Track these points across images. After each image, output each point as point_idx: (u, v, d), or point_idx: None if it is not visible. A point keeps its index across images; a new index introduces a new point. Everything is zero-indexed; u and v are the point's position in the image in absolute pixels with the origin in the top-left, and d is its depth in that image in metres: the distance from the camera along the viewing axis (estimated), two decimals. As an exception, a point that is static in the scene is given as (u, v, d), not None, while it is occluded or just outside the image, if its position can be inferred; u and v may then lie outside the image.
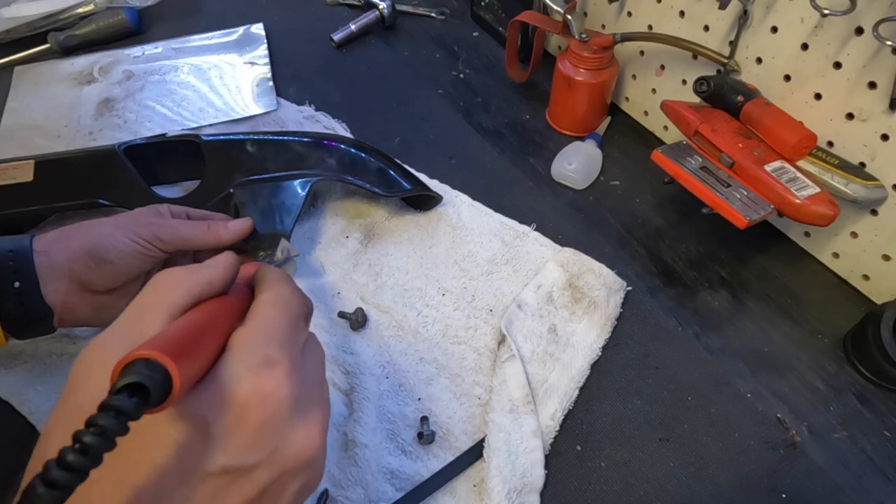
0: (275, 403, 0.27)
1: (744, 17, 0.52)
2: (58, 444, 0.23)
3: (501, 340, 0.51)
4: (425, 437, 0.46)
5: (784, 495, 0.45)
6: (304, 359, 0.31)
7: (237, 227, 0.51)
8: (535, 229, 0.60)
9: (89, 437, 0.20)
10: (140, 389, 0.22)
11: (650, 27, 0.63)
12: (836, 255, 0.57)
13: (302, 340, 0.32)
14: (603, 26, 0.69)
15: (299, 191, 0.55)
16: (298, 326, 0.32)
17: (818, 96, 0.51)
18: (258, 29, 0.84)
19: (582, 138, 0.69)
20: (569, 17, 0.63)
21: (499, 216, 0.61)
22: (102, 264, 0.44)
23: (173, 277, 0.30)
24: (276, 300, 0.32)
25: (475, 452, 0.46)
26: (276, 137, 0.59)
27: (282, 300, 0.32)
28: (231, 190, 0.55)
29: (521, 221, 0.60)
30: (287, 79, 0.77)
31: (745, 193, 0.50)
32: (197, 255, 0.54)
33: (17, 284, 0.41)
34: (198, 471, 0.25)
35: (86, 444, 0.20)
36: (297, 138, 0.60)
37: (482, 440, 0.46)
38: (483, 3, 0.84)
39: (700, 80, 0.54)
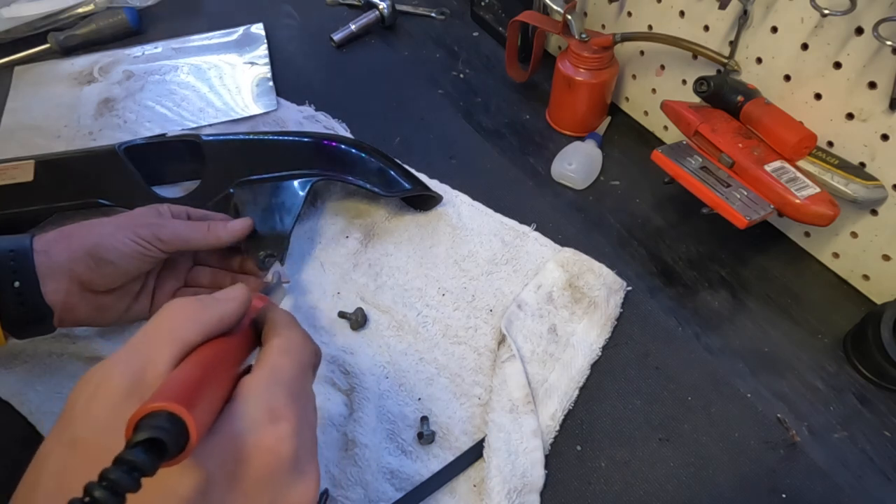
0: (277, 461, 0.27)
1: (744, 17, 0.52)
2: (53, 473, 0.23)
3: (501, 340, 0.51)
4: (425, 437, 0.46)
5: (784, 495, 0.45)
6: (307, 411, 0.30)
7: (237, 227, 0.51)
8: (535, 229, 0.60)
9: (100, 491, 0.20)
10: (156, 444, 0.22)
11: (650, 27, 0.63)
12: (836, 255, 0.57)
13: (309, 392, 0.32)
14: (603, 26, 0.69)
15: (299, 191, 0.55)
16: (307, 377, 0.32)
17: (818, 96, 0.51)
18: (258, 29, 0.84)
19: (582, 138, 0.69)
20: (569, 17, 0.63)
21: (499, 216, 0.61)
22: (102, 264, 0.44)
23: (185, 310, 0.30)
24: (288, 348, 0.31)
25: (475, 452, 0.46)
26: (276, 137, 0.59)
27: (293, 348, 0.32)
28: (231, 190, 0.55)
29: (521, 221, 0.60)
30: (287, 79, 0.77)
31: (745, 193, 0.50)
32: (197, 255, 0.54)
33: (17, 284, 0.41)
34: None
35: (96, 499, 0.20)
36: (297, 138, 0.60)
37: (482, 440, 0.46)
38: (483, 3, 0.84)
39: (700, 80, 0.54)
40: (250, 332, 0.34)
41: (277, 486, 0.27)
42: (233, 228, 0.51)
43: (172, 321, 0.29)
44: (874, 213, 0.51)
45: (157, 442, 0.22)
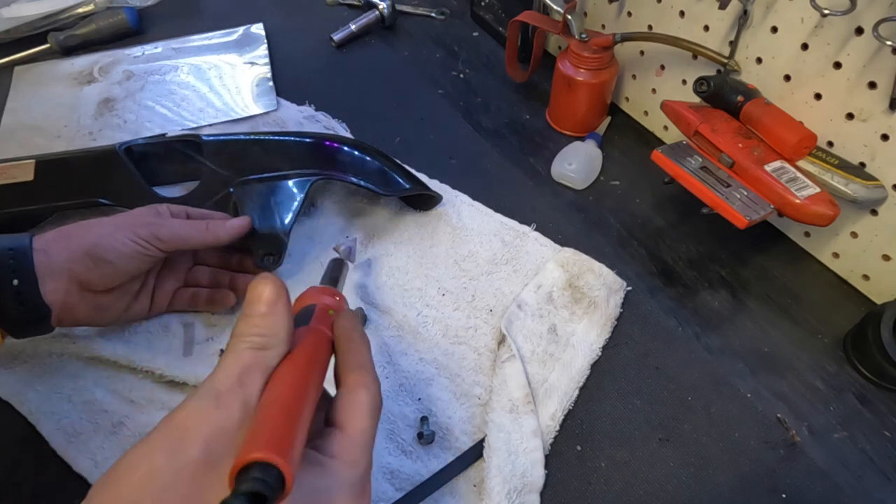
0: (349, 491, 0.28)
1: (744, 17, 0.52)
2: (142, 476, 0.24)
3: (501, 340, 0.51)
4: (425, 437, 0.46)
5: (784, 495, 0.45)
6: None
7: (235, 226, 0.51)
8: (535, 229, 0.60)
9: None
10: (257, 497, 0.22)
11: (650, 27, 0.63)
12: (836, 255, 0.57)
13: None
14: (603, 26, 0.69)
15: (299, 191, 0.55)
16: (375, 435, 0.31)
17: (818, 96, 0.51)
18: (258, 29, 0.84)
19: (582, 138, 0.69)
20: (569, 17, 0.63)
21: (499, 216, 0.61)
22: (101, 264, 0.44)
23: (245, 356, 0.28)
24: (374, 408, 0.31)
25: (475, 452, 0.46)
26: (275, 137, 0.59)
27: (377, 407, 0.31)
28: (231, 189, 0.55)
29: (521, 221, 0.60)
30: (287, 79, 0.77)
31: (745, 193, 0.50)
32: (196, 254, 0.54)
33: (16, 283, 0.41)
34: None
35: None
36: (296, 138, 0.60)
37: (482, 440, 0.46)
38: (483, 3, 0.84)
39: (700, 80, 0.54)
40: (327, 343, 0.33)
41: None
42: (231, 227, 0.51)
43: (235, 373, 0.28)
44: (874, 213, 0.51)
45: (258, 496, 0.22)
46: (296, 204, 0.55)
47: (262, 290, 0.30)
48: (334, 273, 0.47)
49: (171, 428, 0.26)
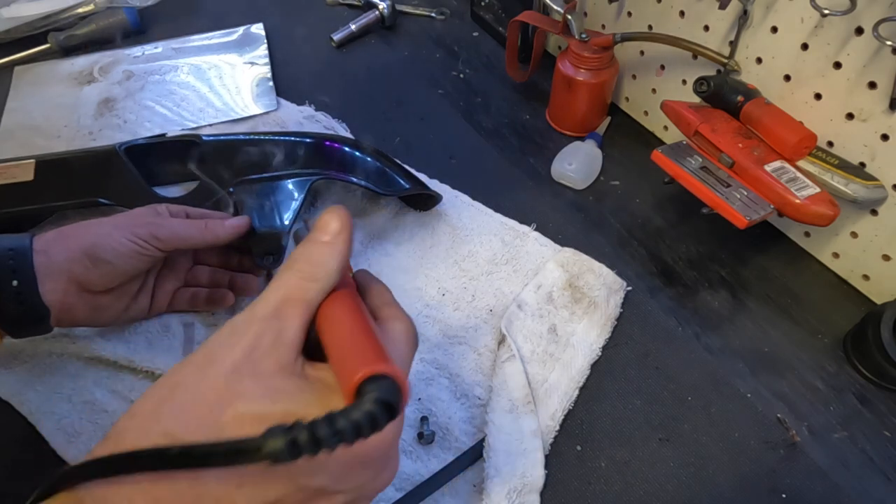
0: (384, 447, 0.28)
1: (744, 17, 0.52)
2: (191, 399, 0.26)
3: (501, 340, 0.51)
4: (425, 437, 0.46)
5: (784, 495, 0.45)
6: None
7: (234, 225, 0.51)
8: (535, 229, 0.60)
9: (344, 422, 0.23)
10: (383, 405, 0.24)
11: (650, 27, 0.63)
12: (836, 255, 0.57)
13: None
14: (603, 26, 0.69)
15: (299, 191, 0.55)
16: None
17: (818, 96, 0.51)
18: (258, 29, 0.84)
19: (582, 138, 0.69)
20: (569, 17, 0.63)
21: (499, 216, 0.61)
22: (100, 264, 0.44)
23: (305, 268, 0.30)
24: (410, 338, 0.32)
25: (475, 452, 0.46)
26: (275, 137, 0.59)
27: (413, 339, 0.32)
28: (231, 189, 0.55)
29: (521, 221, 0.60)
30: (287, 79, 0.77)
31: (745, 193, 0.50)
32: (197, 254, 0.54)
33: (15, 283, 0.41)
34: (300, 482, 0.26)
35: (337, 429, 0.22)
36: (296, 138, 0.60)
37: (482, 440, 0.46)
38: (483, 3, 0.84)
39: (700, 80, 0.54)
40: (356, 291, 0.34)
41: (377, 468, 0.29)
42: (230, 226, 0.51)
43: (296, 285, 0.30)
44: (874, 213, 0.51)
45: (384, 403, 0.24)
46: (296, 204, 0.55)
47: (329, 219, 0.32)
48: None
49: (203, 351, 0.28)
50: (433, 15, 0.88)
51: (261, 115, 0.71)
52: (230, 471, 0.24)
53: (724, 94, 0.54)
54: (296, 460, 0.22)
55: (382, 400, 0.24)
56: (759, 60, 0.54)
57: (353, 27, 0.83)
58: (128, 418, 0.27)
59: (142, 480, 0.24)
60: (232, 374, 0.26)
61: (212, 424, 0.25)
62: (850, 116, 0.49)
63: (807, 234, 0.59)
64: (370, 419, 0.23)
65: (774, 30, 0.51)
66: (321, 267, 0.30)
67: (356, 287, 0.36)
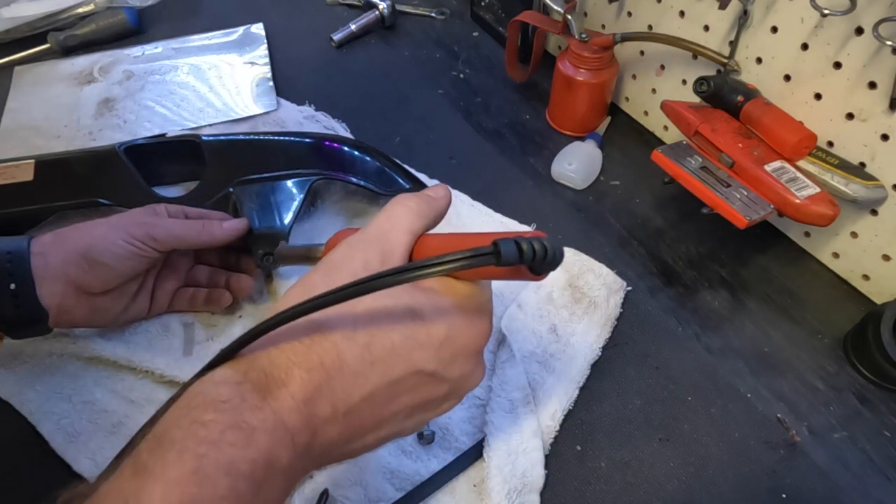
0: (483, 342, 0.33)
1: (744, 17, 0.52)
2: (317, 282, 0.30)
3: (501, 340, 0.51)
4: (425, 437, 0.46)
5: (784, 495, 0.45)
6: None
7: (232, 226, 0.51)
8: (535, 229, 0.60)
9: (550, 247, 0.27)
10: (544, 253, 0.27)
11: (650, 27, 0.63)
12: (836, 255, 0.57)
13: None
14: (603, 26, 0.69)
15: (299, 190, 0.55)
16: None
17: (818, 96, 0.51)
18: (258, 29, 0.84)
19: (582, 138, 0.69)
20: (569, 17, 0.63)
21: (499, 216, 0.61)
22: (96, 266, 0.44)
23: (413, 207, 0.35)
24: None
25: (475, 452, 0.46)
26: (275, 137, 0.59)
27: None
28: (231, 189, 0.55)
29: (521, 221, 0.60)
30: (287, 79, 0.77)
31: (745, 193, 0.50)
32: (197, 254, 0.54)
33: (13, 286, 0.41)
34: (417, 362, 0.30)
35: (546, 250, 0.27)
36: (296, 138, 0.60)
37: (482, 440, 0.46)
38: (483, 3, 0.84)
39: (700, 80, 0.54)
40: None
41: (476, 361, 0.33)
42: (228, 228, 0.50)
43: (408, 216, 0.34)
44: (874, 213, 0.51)
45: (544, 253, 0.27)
46: (296, 204, 0.55)
47: (439, 188, 0.38)
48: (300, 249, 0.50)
49: (326, 263, 0.32)
50: (433, 15, 0.88)
51: (261, 115, 0.71)
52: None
53: (724, 94, 0.54)
54: (519, 264, 0.26)
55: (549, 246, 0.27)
56: (759, 60, 0.54)
57: (353, 27, 0.83)
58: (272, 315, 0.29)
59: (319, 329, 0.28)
60: (353, 278, 0.28)
61: (348, 313, 0.29)
62: (850, 116, 0.49)
63: (807, 234, 0.59)
64: (559, 249, 0.27)
65: (774, 30, 0.51)
66: (429, 210, 0.35)
67: None
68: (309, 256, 0.46)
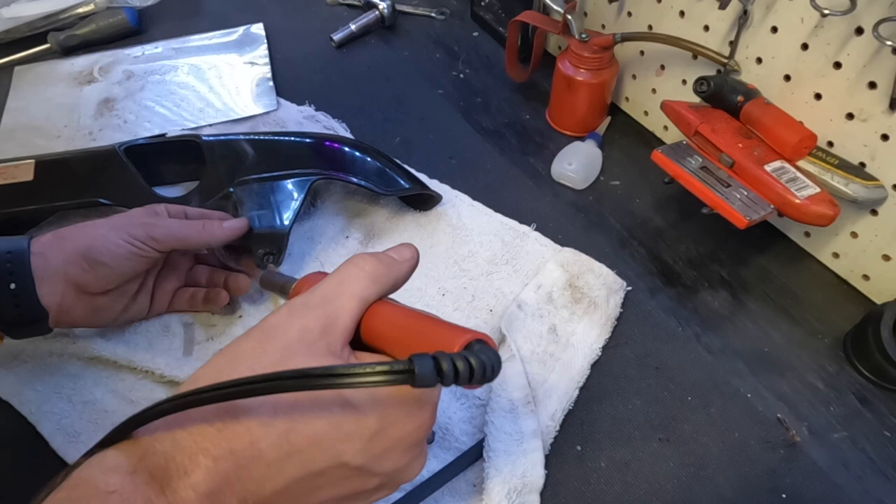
0: (423, 434, 0.30)
1: (744, 17, 0.52)
2: (246, 370, 0.27)
3: (501, 340, 0.51)
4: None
5: (784, 495, 0.45)
6: None
7: (232, 226, 0.51)
8: (535, 229, 0.60)
9: (479, 362, 0.25)
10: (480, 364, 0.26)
11: (650, 27, 0.63)
12: (836, 255, 0.57)
13: None
14: (603, 26, 0.69)
15: (299, 190, 0.55)
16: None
17: (818, 96, 0.51)
18: (258, 29, 0.84)
19: (582, 138, 0.69)
20: (569, 17, 0.63)
21: (499, 216, 0.61)
22: (96, 266, 0.44)
23: (368, 270, 0.32)
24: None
25: (475, 452, 0.46)
26: (275, 137, 0.59)
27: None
28: (231, 189, 0.55)
29: (521, 221, 0.60)
30: (287, 79, 0.77)
31: (745, 193, 0.50)
32: (197, 255, 0.54)
33: (13, 286, 0.41)
34: (343, 455, 0.27)
35: (473, 365, 0.25)
36: (296, 138, 0.60)
37: (482, 440, 0.46)
38: (483, 3, 0.84)
39: (700, 80, 0.54)
40: None
41: (413, 455, 0.31)
42: (228, 228, 0.50)
43: (361, 281, 0.31)
44: (874, 213, 0.51)
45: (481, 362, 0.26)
46: (296, 204, 0.55)
47: (406, 247, 0.35)
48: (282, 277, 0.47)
49: (261, 327, 0.30)
50: (433, 15, 0.88)
51: (261, 115, 0.71)
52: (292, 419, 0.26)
53: (724, 94, 0.54)
54: (435, 384, 0.24)
55: (492, 354, 0.26)
56: (759, 60, 0.54)
57: (353, 27, 0.83)
58: (190, 384, 0.27)
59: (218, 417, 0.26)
60: (286, 350, 0.27)
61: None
62: (850, 116, 0.49)
63: (807, 234, 0.59)
64: (495, 364, 0.26)
65: (774, 30, 0.51)
66: (387, 274, 0.33)
67: None
68: (284, 291, 0.43)
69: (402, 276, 0.34)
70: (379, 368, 0.24)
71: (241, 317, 0.54)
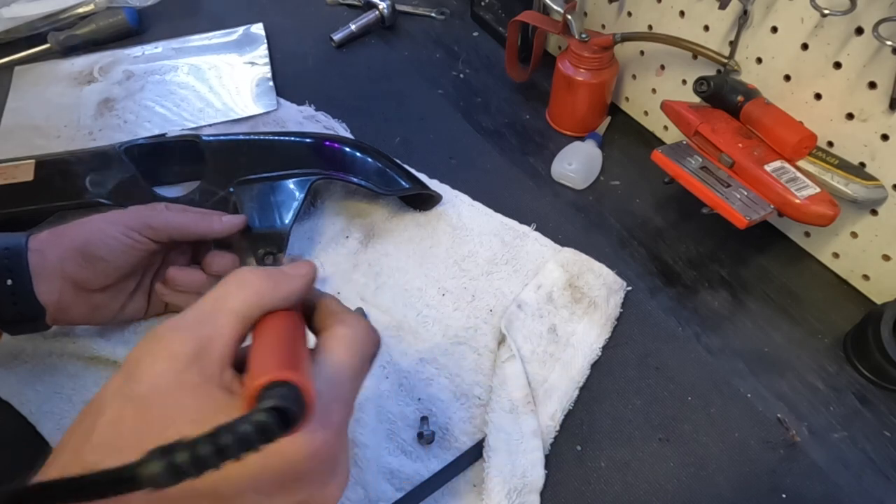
0: (319, 462, 0.26)
1: (744, 17, 0.52)
2: (109, 422, 0.24)
3: (501, 340, 0.51)
4: (425, 437, 0.46)
5: (784, 495, 0.45)
6: (350, 410, 0.30)
7: (231, 220, 0.51)
8: (535, 229, 0.60)
9: (228, 437, 0.21)
10: (281, 413, 0.22)
11: (650, 27, 0.63)
12: (836, 255, 0.57)
13: (360, 387, 0.30)
14: (603, 26, 0.69)
15: (299, 190, 0.55)
16: (363, 372, 0.30)
17: (818, 96, 0.51)
18: (258, 29, 0.84)
19: (582, 138, 0.69)
20: (569, 17, 0.63)
21: (499, 216, 0.61)
22: (93, 261, 0.44)
23: (254, 285, 0.29)
24: (353, 340, 0.30)
25: (475, 452, 0.46)
26: (276, 137, 0.59)
27: (358, 341, 0.30)
28: (231, 190, 0.55)
29: (521, 221, 0.60)
30: (287, 79, 0.77)
31: (745, 193, 0.50)
32: (196, 254, 0.54)
33: (9, 282, 0.41)
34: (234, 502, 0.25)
35: (221, 445, 0.20)
36: (296, 138, 0.60)
37: (482, 440, 0.46)
38: (483, 3, 0.84)
39: (700, 80, 0.54)
40: (301, 311, 0.33)
41: (316, 485, 0.27)
42: (227, 221, 0.51)
43: (240, 295, 0.29)
44: (874, 213, 0.51)
45: (282, 411, 0.22)
46: (296, 204, 0.55)
47: (303, 264, 0.33)
48: None
49: (125, 368, 0.26)
50: (433, 15, 0.88)
51: (261, 115, 0.71)
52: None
53: (724, 94, 0.54)
54: (179, 483, 0.20)
55: (279, 407, 0.22)
56: (759, 60, 0.54)
57: (353, 27, 0.83)
58: (57, 452, 0.25)
59: None
60: (152, 393, 0.25)
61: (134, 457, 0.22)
62: (850, 116, 0.49)
63: (807, 234, 0.59)
64: (260, 430, 0.21)
65: (774, 30, 0.51)
66: (274, 289, 0.29)
67: (302, 310, 0.33)
68: None
69: (294, 290, 0.31)
70: (109, 475, 0.20)
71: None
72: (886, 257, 0.52)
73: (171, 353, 0.26)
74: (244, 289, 0.29)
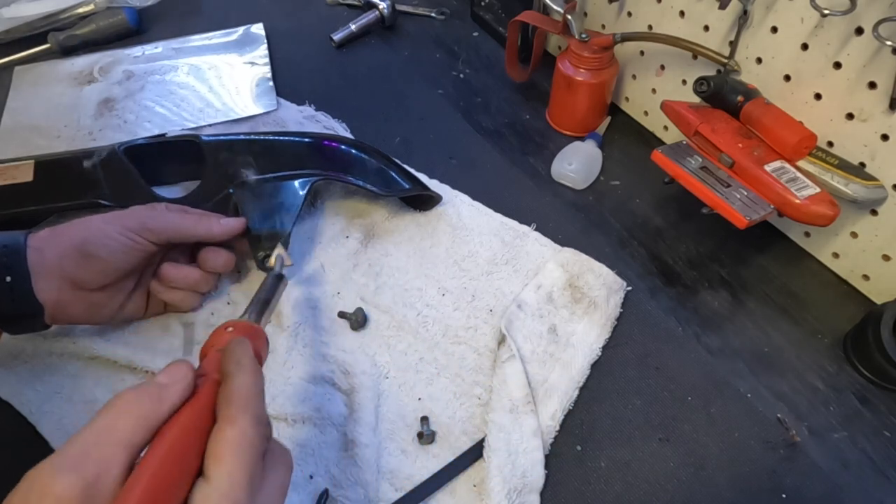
0: None
1: (744, 17, 0.52)
2: None
3: (501, 340, 0.51)
4: (425, 437, 0.46)
5: (784, 495, 0.45)
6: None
7: (230, 223, 0.51)
8: (535, 229, 0.60)
9: None
10: None
11: (650, 27, 0.63)
12: (836, 255, 0.57)
13: (259, 481, 0.28)
14: (603, 26, 0.69)
15: (299, 191, 0.55)
16: (259, 467, 0.28)
17: (818, 96, 0.51)
18: (258, 29, 0.84)
19: (582, 138, 0.69)
20: (569, 17, 0.63)
21: (499, 216, 0.61)
22: (91, 260, 0.44)
23: (133, 411, 0.28)
24: (243, 445, 0.28)
25: (475, 452, 0.46)
26: (276, 138, 0.59)
27: (246, 442, 0.28)
28: (231, 190, 0.55)
29: (521, 221, 0.60)
30: (287, 79, 0.77)
31: (745, 193, 0.50)
32: (195, 255, 0.54)
33: (8, 279, 0.41)
34: None
35: None
36: (297, 138, 0.60)
37: (482, 440, 0.46)
38: (483, 3, 0.84)
39: (700, 80, 0.54)
40: (215, 385, 0.31)
41: None
42: (226, 224, 0.51)
43: (126, 424, 0.27)
44: (874, 213, 0.51)
45: None
46: (296, 204, 0.55)
47: (181, 368, 0.30)
48: (268, 294, 0.44)
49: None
50: (433, 15, 0.88)
51: (261, 115, 0.71)
52: None
53: (724, 94, 0.54)
54: None
55: None
56: (759, 60, 0.54)
57: (353, 27, 0.83)
58: None
59: None
60: None
61: None
62: (850, 116, 0.49)
63: (807, 234, 0.59)
64: None
65: (774, 30, 0.51)
66: (152, 408, 0.28)
67: (216, 384, 0.31)
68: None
69: (175, 398, 0.29)
70: None
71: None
72: (886, 257, 0.52)
73: (56, 500, 0.24)
74: (128, 417, 0.27)
